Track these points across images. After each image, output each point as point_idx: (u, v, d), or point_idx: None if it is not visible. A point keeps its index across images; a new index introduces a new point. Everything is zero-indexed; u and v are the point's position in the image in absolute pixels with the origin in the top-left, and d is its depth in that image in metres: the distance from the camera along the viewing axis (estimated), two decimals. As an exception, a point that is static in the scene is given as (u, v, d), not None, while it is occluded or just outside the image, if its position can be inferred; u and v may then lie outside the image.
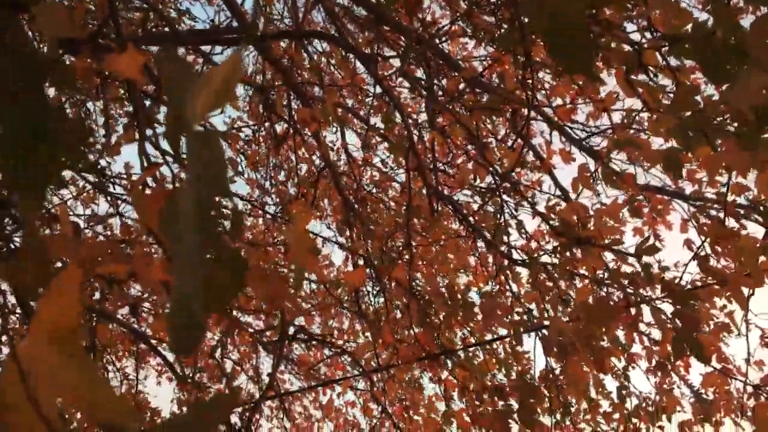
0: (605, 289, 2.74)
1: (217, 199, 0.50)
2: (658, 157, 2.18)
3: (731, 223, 2.70)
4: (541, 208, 3.94)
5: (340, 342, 5.32)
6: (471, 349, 3.67)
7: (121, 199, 3.40)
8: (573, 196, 2.94)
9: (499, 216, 3.68)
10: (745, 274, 2.24)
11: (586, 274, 2.91)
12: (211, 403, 0.54)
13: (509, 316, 3.03)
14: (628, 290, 2.92)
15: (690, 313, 2.26)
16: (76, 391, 0.50)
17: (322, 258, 5.07)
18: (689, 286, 2.45)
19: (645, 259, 2.74)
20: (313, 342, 4.36)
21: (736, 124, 1.53)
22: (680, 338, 2.36)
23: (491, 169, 3.01)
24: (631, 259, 2.71)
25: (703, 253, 2.45)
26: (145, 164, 1.33)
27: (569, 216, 2.44)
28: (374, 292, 4.29)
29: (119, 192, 3.41)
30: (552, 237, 2.87)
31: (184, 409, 4.44)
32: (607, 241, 2.55)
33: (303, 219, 1.66)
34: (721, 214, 3.37)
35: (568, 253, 2.64)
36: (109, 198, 3.47)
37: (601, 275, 2.80)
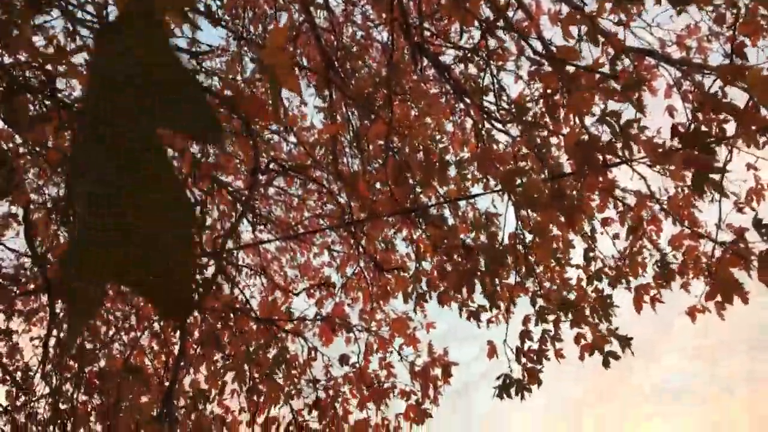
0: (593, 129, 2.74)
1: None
2: None
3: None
4: (524, 72, 3.88)
5: (319, 203, 5.39)
6: (444, 206, 3.73)
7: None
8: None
9: (482, 75, 3.62)
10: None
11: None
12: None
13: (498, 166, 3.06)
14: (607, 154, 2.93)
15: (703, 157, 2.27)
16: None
17: (301, 118, 5.03)
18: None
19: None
20: (289, 174, 4.38)
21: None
22: (701, 175, 2.38)
23: (477, 19, 2.93)
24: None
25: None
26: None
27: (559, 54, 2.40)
28: (352, 152, 4.30)
29: None
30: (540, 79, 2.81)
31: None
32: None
33: (277, 37, 1.61)
34: (707, 81, 3.33)
35: (556, 97, 2.62)
36: None
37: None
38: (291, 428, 4.43)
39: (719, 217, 3.60)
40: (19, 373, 4.82)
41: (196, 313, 4.84)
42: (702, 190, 2.40)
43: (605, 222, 4.07)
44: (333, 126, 3.62)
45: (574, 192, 3.54)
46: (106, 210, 0.50)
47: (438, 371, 4.12)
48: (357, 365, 4.38)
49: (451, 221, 4.30)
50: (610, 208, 3.91)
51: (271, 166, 3.36)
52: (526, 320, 3.71)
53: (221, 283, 5.00)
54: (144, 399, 4.49)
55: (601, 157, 2.77)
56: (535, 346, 3.66)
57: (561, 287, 3.95)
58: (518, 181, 3.26)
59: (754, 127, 2.17)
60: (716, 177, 2.39)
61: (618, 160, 3.13)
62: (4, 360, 4.97)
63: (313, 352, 4.46)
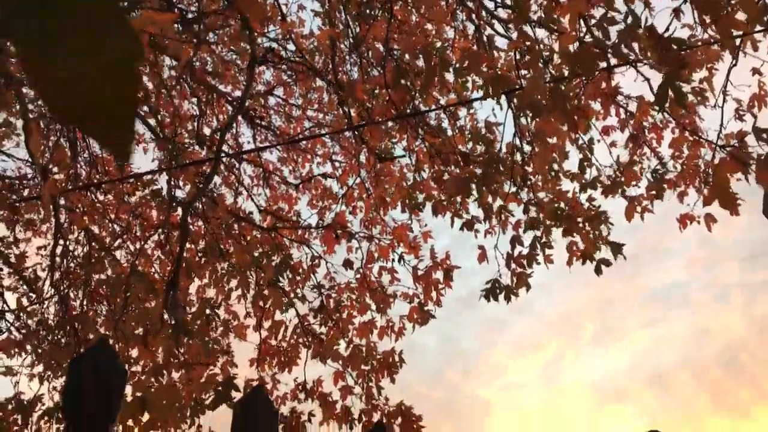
0: (590, 36, 2.70)
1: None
2: None
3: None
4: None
5: (320, 115, 5.36)
6: (442, 111, 3.71)
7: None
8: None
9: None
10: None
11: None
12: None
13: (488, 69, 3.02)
14: (609, 51, 2.89)
15: (677, 56, 2.25)
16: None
17: (299, 23, 4.93)
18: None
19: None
20: (289, 62, 4.33)
21: None
22: (665, 84, 2.37)
23: None
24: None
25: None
26: None
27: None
28: (351, 60, 4.23)
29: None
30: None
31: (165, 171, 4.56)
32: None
33: None
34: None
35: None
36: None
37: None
38: (297, 332, 4.59)
39: (720, 122, 3.58)
40: (27, 282, 4.94)
41: (200, 223, 4.91)
42: (665, 101, 2.38)
43: (605, 131, 4.06)
44: (331, 31, 3.55)
45: (576, 98, 3.52)
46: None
47: (440, 275, 4.23)
48: (360, 270, 4.48)
49: (449, 132, 4.29)
50: (611, 115, 3.89)
51: (269, 57, 3.31)
52: (516, 226, 3.77)
53: (223, 193, 5.05)
54: (150, 305, 4.61)
55: (600, 63, 2.73)
56: (525, 252, 3.73)
57: (554, 198, 3.98)
58: (514, 87, 3.23)
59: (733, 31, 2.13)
60: (684, 87, 2.36)
61: (615, 63, 3.09)
62: (11, 269, 5.09)
63: (317, 260, 4.56)
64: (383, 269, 4.57)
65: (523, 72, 3.69)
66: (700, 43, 3.18)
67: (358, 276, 4.59)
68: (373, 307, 4.51)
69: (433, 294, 4.21)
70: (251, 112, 4.95)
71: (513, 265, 3.65)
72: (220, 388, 4.32)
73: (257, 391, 1.63)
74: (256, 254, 4.38)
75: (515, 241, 3.68)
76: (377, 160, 4.15)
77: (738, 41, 3.15)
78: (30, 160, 4.50)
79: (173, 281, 2.29)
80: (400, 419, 3.93)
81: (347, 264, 4.59)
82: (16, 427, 4.42)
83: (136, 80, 0.52)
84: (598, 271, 3.61)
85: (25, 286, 4.95)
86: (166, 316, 3.65)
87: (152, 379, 4.10)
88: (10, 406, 4.63)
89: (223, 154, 4.08)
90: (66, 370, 1.54)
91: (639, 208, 3.68)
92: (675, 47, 2.34)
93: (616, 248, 3.54)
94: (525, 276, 3.61)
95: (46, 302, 4.95)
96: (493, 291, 3.58)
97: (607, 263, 3.58)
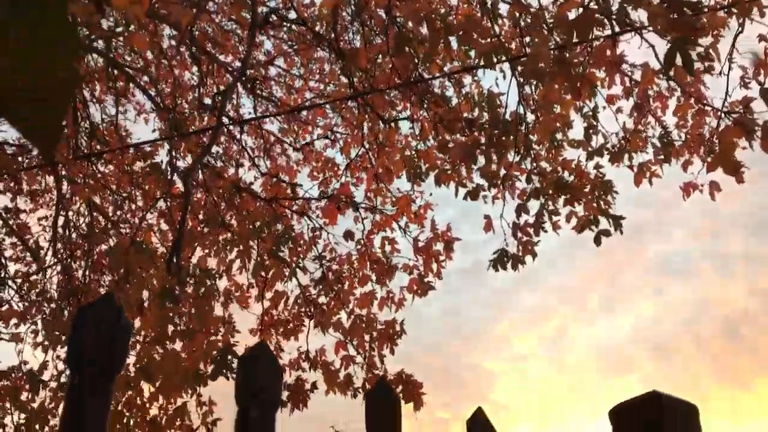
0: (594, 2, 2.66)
1: None
2: None
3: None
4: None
5: (321, 86, 5.32)
6: (446, 79, 3.68)
7: None
8: None
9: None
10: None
11: None
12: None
13: (489, 39, 2.99)
14: (613, 17, 2.85)
15: (687, 21, 2.22)
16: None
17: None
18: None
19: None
20: (291, 23, 4.29)
21: None
22: (674, 48, 2.34)
23: None
24: None
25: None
26: None
27: None
28: (354, 28, 4.19)
29: None
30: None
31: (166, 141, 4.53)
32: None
33: None
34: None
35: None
36: None
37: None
38: (299, 302, 4.60)
39: (726, 90, 3.56)
40: (30, 250, 4.95)
41: (201, 194, 4.90)
42: (671, 66, 2.35)
43: (610, 99, 4.03)
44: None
45: (580, 66, 3.48)
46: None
47: (440, 246, 4.23)
48: (361, 242, 4.48)
49: (455, 100, 4.26)
50: (616, 83, 3.85)
51: (271, 19, 3.28)
52: (522, 195, 3.76)
53: (225, 164, 5.04)
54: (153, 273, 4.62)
55: (600, 29, 2.70)
56: (532, 221, 3.72)
57: (558, 167, 3.96)
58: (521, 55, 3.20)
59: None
60: (693, 51, 2.33)
61: (619, 30, 3.06)
62: (14, 239, 5.09)
63: (318, 231, 4.55)
64: (386, 239, 4.57)
65: (527, 40, 3.66)
66: (709, 8, 3.14)
67: (359, 247, 4.59)
68: (374, 278, 4.52)
69: (434, 266, 4.22)
70: (253, 82, 4.92)
71: (519, 234, 3.65)
72: (219, 357, 4.34)
73: (262, 345, 1.63)
74: (257, 224, 4.38)
75: (521, 209, 3.67)
76: (381, 122, 4.12)
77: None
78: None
79: (176, 244, 2.29)
80: (401, 387, 3.96)
81: (348, 235, 4.59)
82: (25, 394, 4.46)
83: (74, 76, 0.52)
84: (597, 241, 3.61)
85: (28, 255, 4.96)
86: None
87: (157, 347, 4.12)
88: (13, 374, 4.67)
89: (224, 122, 4.05)
90: (71, 323, 1.55)
91: (648, 174, 3.66)
92: (687, 11, 2.31)
93: (616, 220, 3.54)
94: (531, 244, 3.61)
95: (49, 272, 4.96)
96: (501, 260, 3.58)
97: (607, 234, 3.58)
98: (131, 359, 4.56)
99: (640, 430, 1.54)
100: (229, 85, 3.37)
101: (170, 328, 4.36)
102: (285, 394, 4.36)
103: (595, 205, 3.58)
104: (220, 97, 3.13)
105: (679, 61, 2.34)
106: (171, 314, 3.56)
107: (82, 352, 1.48)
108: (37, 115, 0.50)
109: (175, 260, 2.55)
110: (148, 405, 4.17)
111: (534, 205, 3.71)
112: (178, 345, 4.32)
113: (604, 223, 3.58)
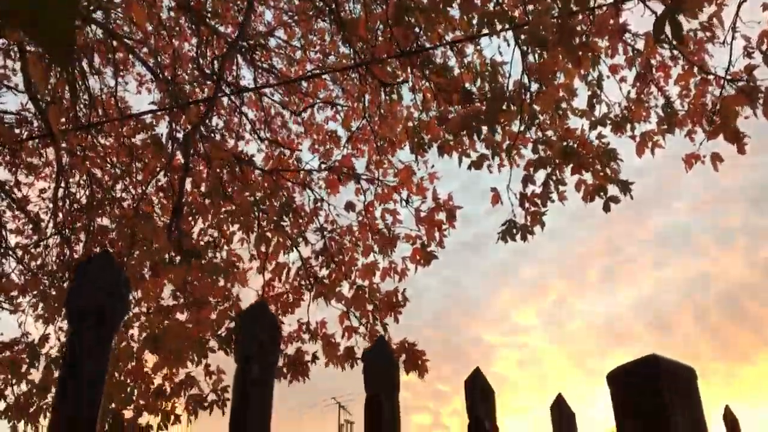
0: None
1: None
2: None
3: None
4: None
5: (321, 57, 5.28)
6: (448, 49, 3.65)
7: None
8: None
9: None
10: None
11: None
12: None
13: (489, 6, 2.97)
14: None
15: None
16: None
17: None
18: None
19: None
20: None
21: None
22: (664, 16, 2.33)
23: None
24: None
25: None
26: None
27: None
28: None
29: None
30: None
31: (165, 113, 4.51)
32: None
33: None
34: None
35: None
36: None
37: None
38: (300, 274, 4.61)
39: (729, 59, 3.55)
40: (32, 220, 4.94)
41: (201, 168, 4.89)
42: (661, 33, 2.34)
43: (613, 69, 4.01)
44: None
45: (583, 34, 3.47)
46: None
47: (443, 215, 4.23)
48: (362, 213, 4.49)
49: (457, 71, 4.24)
50: (619, 53, 3.84)
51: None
52: (528, 165, 3.76)
53: (225, 136, 5.02)
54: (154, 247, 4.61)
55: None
56: (539, 191, 3.73)
57: (562, 136, 3.96)
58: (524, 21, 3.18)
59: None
60: (692, 22, 2.31)
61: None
62: (16, 212, 5.08)
63: (319, 202, 4.56)
64: (386, 211, 4.58)
65: (530, 8, 3.63)
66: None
67: (360, 218, 4.60)
68: (376, 249, 4.53)
69: (436, 234, 4.22)
70: (252, 51, 4.88)
71: (527, 204, 3.66)
72: (223, 334, 4.36)
73: (261, 304, 1.65)
74: (258, 195, 4.38)
75: (527, 180, 3.68)
76: (383, 88, 4.10)
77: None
78: (28, 95, 4.44)
79: (177, 208, 2.29)
80: (404, 356, 3.99)
81: (349, 207, 4.59)
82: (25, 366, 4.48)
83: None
84: (606, 208, 3.62)
85: (29, 226, 4.96)
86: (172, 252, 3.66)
87: (161, 318, 4.14)
88: (17, 347, 4.68)
89: (222, 93, 4.03)
90: (73, 276, 1.56)
91: (650, 144, 3.66)
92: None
93: (625, 185, 3.54)
94: (539, 214, 3.62)
95: (49, 244, 4.96)
96: (509, 231, 3.59)
97: (616, 200, 3.59)
98: (135, 331, 4.59)
99: (639, 391, 1.55)
100: (228, 51, 3.34)
101: (174, 301, 4.38)
102: (284, 363, 4.39)
103: (601, 174, 3.59)
104: (218, 61, 3.10)
105: (668, 29, 2.33)
106: (184, 275, 3.56)
107: (81, 304, 1.50)
108: (48, 19, 0.52)
109: (174, 227, 2.54)
110: (152, 374, 4.20)
111: (540, 176, 3.71)
112: (182, 316, 4.34)
113: (611, 192, 3.58)
